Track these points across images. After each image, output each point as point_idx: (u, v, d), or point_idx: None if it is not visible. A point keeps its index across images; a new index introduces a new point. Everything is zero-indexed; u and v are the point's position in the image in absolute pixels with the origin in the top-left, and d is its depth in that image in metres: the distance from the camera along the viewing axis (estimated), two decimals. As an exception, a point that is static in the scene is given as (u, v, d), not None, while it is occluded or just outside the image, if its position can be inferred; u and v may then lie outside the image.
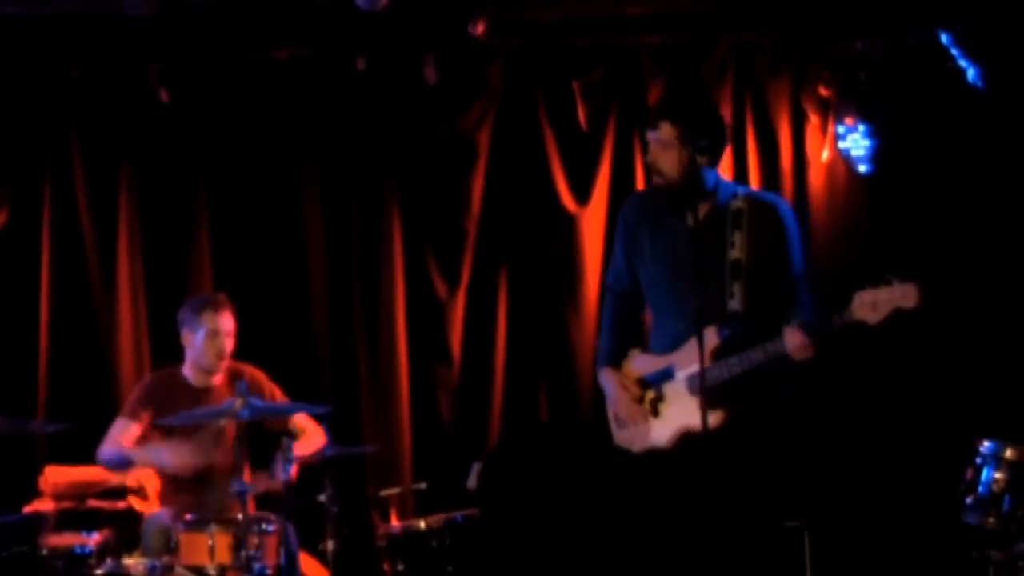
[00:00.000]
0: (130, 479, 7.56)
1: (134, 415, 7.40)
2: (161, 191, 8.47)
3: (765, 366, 5.85)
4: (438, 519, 7.30)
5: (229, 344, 7.45)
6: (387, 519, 7.48)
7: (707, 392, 5.71)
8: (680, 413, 6.00)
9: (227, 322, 7.45)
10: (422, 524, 7.30)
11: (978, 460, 6.34)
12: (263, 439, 7.12)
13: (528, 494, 8.13)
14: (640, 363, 6.22)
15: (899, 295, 5.58)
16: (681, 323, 6.03)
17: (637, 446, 6.17)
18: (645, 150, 6.17)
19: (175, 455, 7.28)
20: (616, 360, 6.29)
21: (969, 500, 6.35)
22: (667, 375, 6.09)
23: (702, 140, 5.96)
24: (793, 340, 5.77)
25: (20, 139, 8.38)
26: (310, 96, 8.49)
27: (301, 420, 7.44)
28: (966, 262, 8.11)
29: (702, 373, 5.65)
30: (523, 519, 8.00)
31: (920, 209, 8.30)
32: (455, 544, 7.22)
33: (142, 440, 7.36)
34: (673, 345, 6.08)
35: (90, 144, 8.43)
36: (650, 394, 6.14)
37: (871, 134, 8.40)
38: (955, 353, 8.09)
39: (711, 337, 5.87)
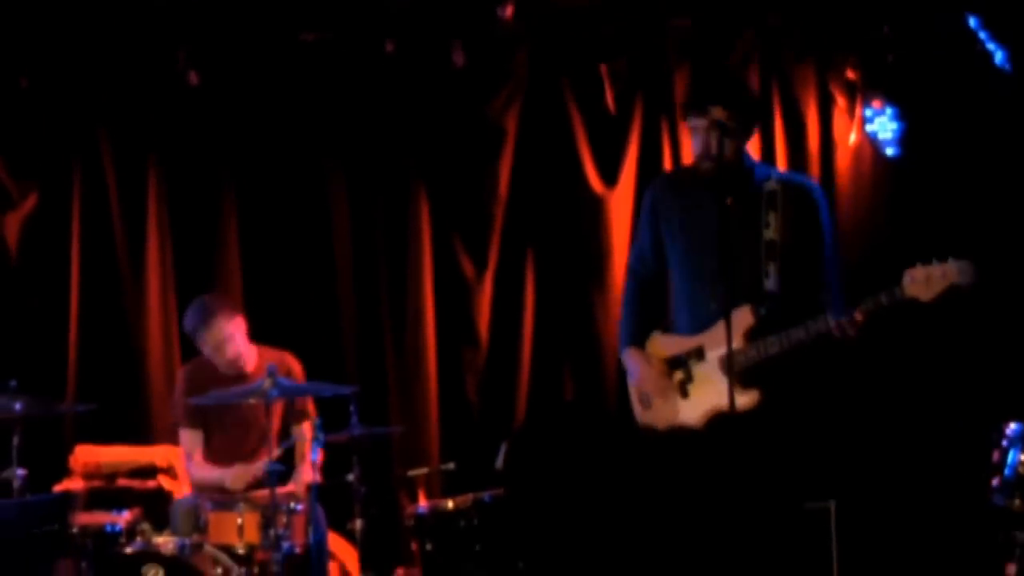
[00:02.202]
0: (159, 459, 7.62)
1: (191, 422, 7.44)
2: (189, 176, 8.52)
3: (805, 346, 5.79)
4: (465, 499, 7.31)
5: (233, 347, 7.35)
6: (414, 499, 7.49)
7: (742, 372, 5.76)
8: (712, 393, 5.93)
9: (225, 328, 7.33)
10: (450, 504, 7.30)
11: (1004, 442, 6.35)
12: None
13: (554, 474, 8.15)
14: (665, 343, 6.17)
15: (955, 271, 5.52)
16: (712, 303, 5.95)
17: (663, 425, 6.12)
18: (692, 135, 6.02)
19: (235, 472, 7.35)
20: (639, 341, 6.23)
21: (995, 482, 6.36)
22: (697, 355, 6.02)
23: (751, 122, 6.04)
24: (838, 319, 5.72)
25: (48, 127, 8.42)
26: (337, 80, 8.51)
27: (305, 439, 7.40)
28: (991, 245, 8.08)
29: (730, 353, 5.65)
30: (549, 499, 8.02)
31: (947, 192, 8.28)
32: (482, 524, 7.22)
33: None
34: (704, 325, 5.99)
35: (118, 131, 8.47)
36: (678, 374, 6.08)
37: (898, 117, 8.39)
38: (982, 335, 8.07)
39: (746, 317, 5.86)
